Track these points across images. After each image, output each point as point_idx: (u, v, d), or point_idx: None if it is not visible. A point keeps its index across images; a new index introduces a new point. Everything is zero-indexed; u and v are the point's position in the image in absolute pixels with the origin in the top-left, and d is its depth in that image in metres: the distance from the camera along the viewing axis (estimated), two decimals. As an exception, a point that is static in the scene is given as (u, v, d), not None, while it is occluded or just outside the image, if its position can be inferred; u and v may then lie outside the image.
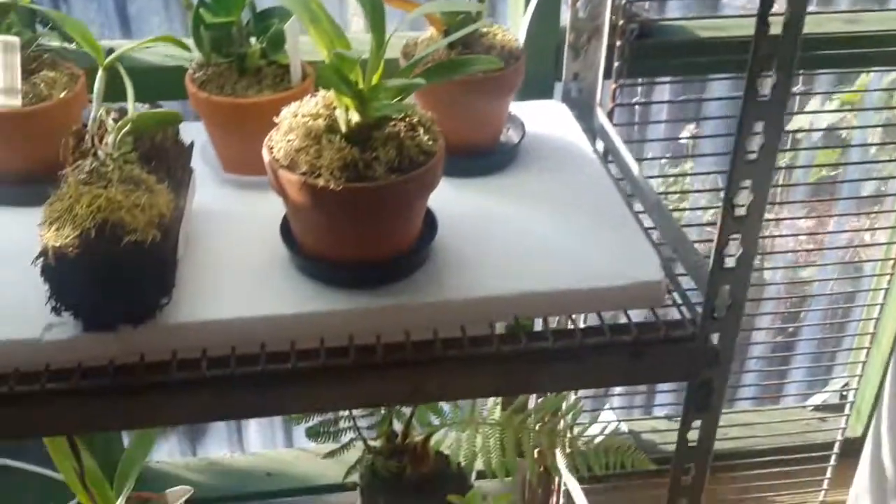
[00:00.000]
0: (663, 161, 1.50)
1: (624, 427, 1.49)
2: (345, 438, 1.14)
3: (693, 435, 0.79)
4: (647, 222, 0.85)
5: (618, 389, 1.53)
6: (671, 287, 0.78)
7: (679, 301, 0.78)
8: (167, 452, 1.64)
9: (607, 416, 1.47)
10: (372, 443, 1.14)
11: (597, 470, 1.08)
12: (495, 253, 0.79)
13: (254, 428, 1.65)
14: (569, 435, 1.06)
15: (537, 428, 1.11)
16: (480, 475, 1.24)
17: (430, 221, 0.79)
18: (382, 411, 1.15)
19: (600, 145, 1.01)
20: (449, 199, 0.81)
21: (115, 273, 0.65)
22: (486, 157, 0.91)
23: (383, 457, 1.14)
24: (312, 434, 1.12)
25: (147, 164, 0.72)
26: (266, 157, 0.72)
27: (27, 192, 0.79)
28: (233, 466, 1.61)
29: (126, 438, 1.47)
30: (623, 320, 0.75)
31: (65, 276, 0.65)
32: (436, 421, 1.11)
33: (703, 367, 0.75)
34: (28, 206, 0.74)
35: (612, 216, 0.84)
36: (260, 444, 1.66)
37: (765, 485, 1.56)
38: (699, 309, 0.74)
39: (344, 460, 1.62)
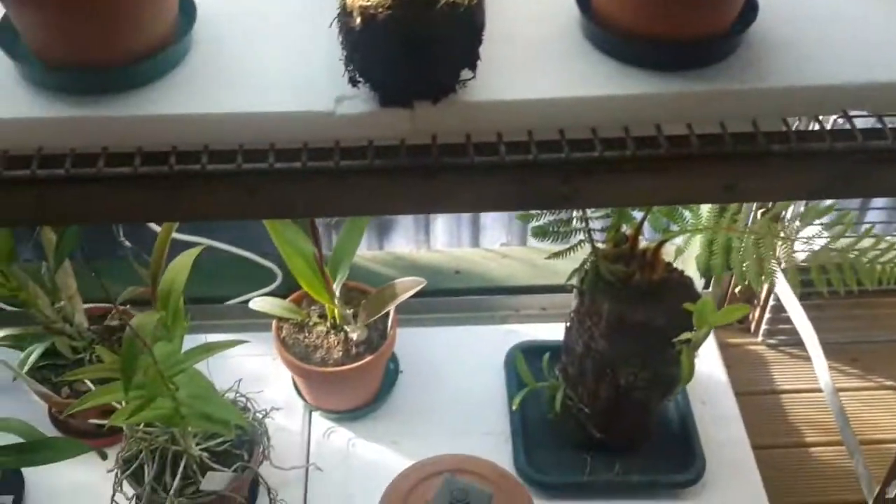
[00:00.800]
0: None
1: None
2: (573, 240, 1.08)
3: None
4: None
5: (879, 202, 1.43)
6: None
7: None
8: (353, 245, 1.65)
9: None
10: (600, 246, 1.09)
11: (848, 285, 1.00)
12: (825, 39, 0.68)
13: (441, 226, 1.63)
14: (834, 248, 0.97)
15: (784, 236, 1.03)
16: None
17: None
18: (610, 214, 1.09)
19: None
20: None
21: (425, 40, 0.58)
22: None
23: (610, 261, 1.09)
24: (540, 233, 1.07)
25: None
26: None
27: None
28: (420, 262, 1.61)
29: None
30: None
31: (368, 41, 0.59)
32: (673, 227, 1.05)
33: None
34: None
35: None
36: (446, 242, 1.64)
37: None
38: None
39: (535, 263, 1.60)
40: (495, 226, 1.64)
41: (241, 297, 1.50)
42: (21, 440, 1.08)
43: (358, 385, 1.30)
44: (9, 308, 1.47)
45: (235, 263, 1.53)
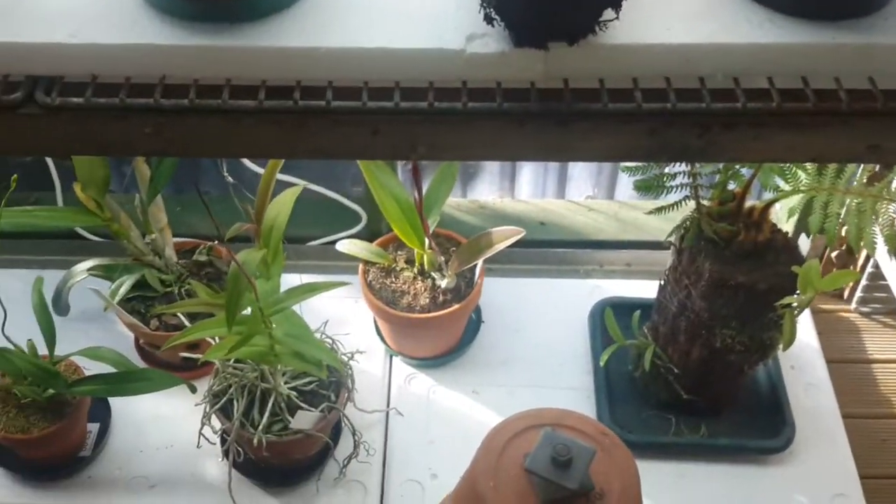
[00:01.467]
0: None
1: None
2: (677, 196, 1.04)
3: None
4: None
5: None
6: None
7: None
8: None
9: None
10: (704, 203, 1.05)
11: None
12: None
13: (526, 176, 1.60)
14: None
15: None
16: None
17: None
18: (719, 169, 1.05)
19: None
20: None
21: (569, -24, 0.55)
22: None
23: (714, 219, 1.05)
24: (643, 187, 1.04)
25: None
26: None
27: None
28: (505, 211, 1.58)
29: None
30: None
31: (509, -24, 0.56)
32: (785, 186, 1.00)
33: None
34: None
35: None
36: (530, 192, 1.62)
37: None
38: None
39: (622, 218, 1.56)
40: (582, 177, 1.60)
41: (324, 239, 1.50)
42: (112, 370, 1.10)
43: (442, 333, 1.29)
44: (98, 239, 1.49)
45: (319, 204, 1.53)
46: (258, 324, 0.92)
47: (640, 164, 1.03)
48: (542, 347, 1.36)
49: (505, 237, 1.15)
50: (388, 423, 1.26)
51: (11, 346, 1.10)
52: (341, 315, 1.35)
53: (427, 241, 1.19)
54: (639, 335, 1.22)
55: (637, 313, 1.23)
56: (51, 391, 1.10)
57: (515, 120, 0.61)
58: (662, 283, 1.16)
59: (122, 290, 1.21)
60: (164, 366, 1.28)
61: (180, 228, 1.35)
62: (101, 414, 1.24)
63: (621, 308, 1.28)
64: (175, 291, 1.26)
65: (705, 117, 0.61)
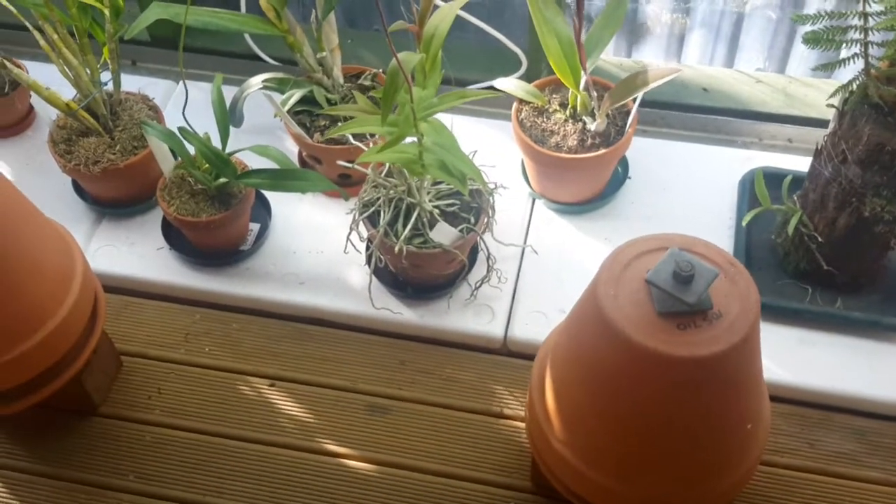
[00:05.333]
0: None
1: None
2: (846, 53, 1.01)
3: None
4: None
5: None
6: None
7: None
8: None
9: None
10: (874, 64, 1.01)
11: None
12: None
13: (695, 41, 1.56)
14: None
15: None
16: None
17: None
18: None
19: None
20: None
21: None
22: None
23: (882, 82, 1.01)
24: (812, 39, 1.00)
25: None
26: None
27: None
28: (667, 75, 1.56)
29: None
30: None
31: None
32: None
33: None
34: None
35: None
36: (697, 58, 1.58)
37: None
38: None
39: (790, 92, 1.51)
40: (753, 47, 1.55)
41: (485, 83, 1.53)
42: (276, 167, 1.19)
43: (586, 178, 1.31)
44: (275, 63, 1.58)
45: (481, 50, 1.55)
46: (409, 125, 0.97)
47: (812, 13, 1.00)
48: (686, 208, 1.36)
49: (661, 75, 1.14)
50: (522, 259, 1.31)
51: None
52: (492, 152, 1.39)
53: (583, 81, 1.20)
54: (787, 201, 1.21)
55: (788, 178, 1.21)
56: (221, 180, 1.20)
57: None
58: (818, 147, 1.13)
59: (291, 101, 1.29)
60: (323, 180, 1.38)
61: (349, 60, 1.41)
62: (262, 215, 1.35)
63: (774, 178, 1.26)
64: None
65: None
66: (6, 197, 0.98)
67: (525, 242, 1.33)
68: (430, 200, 1.18)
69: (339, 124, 1.22)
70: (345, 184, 1.37)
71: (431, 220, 1.17)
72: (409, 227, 1.16)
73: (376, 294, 1.25)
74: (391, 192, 1.17)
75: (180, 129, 1.18)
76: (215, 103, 1.20)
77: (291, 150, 1.44)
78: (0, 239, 0.96)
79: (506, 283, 1.27)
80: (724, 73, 1.55)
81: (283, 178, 1.17)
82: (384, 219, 1.16)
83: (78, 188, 1.38)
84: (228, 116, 1.21)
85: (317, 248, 1.33)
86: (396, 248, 1.14)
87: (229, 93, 1.47)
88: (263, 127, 1.46)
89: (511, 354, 1.25)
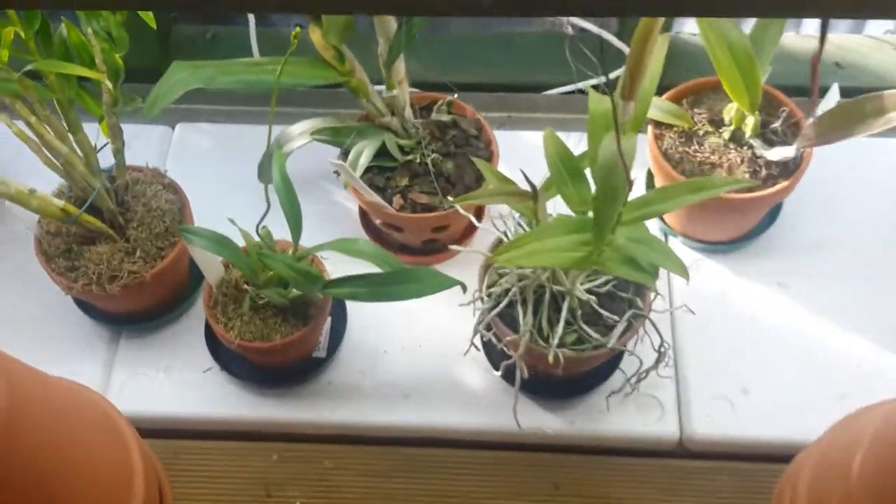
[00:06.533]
0: None
1: None
2: None
3: None
4: None
5: None
6: None
7: None
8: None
9: None
10: None
11: None
12: None
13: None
14: None
15: None
16: None
17: None
18: None
19: None
20: None
21: None
22: None
23: None
24: None
25: None
26: None
27: None
28: (789, 49, 1.26)
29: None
30: None
31: None
32: None
33: None
34: None
35: None
36: (817, 26, 1.29)
37: None
38: None
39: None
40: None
41: (565, 88, 1.23)
42: (375, 268, 0.88)
43: (751, 214, 1.03)
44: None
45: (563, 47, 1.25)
46: (607, 232, 0.67)
47: None
48: (863, 225, 1.09)
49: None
50: (673, 323, 1.03)
51: (238, 232, 0.89)
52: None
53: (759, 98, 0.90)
54: None
55: None
56: (296, 292, 0.89)
57: None
58: None
59: (363, 161, 0.97)
60: (398, 248, 1.07)
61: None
62: (332, 307, 1.04)
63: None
64: (416, 160, 1.02)
65: None
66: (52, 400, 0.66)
67: (671, 299, 1.04)
68: (581, 284, 0.88)
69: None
70: (432, 249, 1.07)
71: (584, 308, 0.88)
72: (560, 324, 0.86)
73: (502, 397, 0.97)
74: (532, 279, 0.87)
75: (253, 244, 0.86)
76: (279, 185, 0.88)
77: (345, 204, 1.13)
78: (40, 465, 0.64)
79: (664, 362, 0.99)
80: (856, 42, 1.26)
81: (386, 284, 0.85)
82: (525, 318, 0.87)
83: (82, 301, 1.05)
84: (299, 208, 0.88)
85: (414, 342, 1.03)
86: (551, 357, 0.85)
87: (249, 136, 1.15)
88: (304, 177, 1.14)
89: (692, 456, 0.98)
